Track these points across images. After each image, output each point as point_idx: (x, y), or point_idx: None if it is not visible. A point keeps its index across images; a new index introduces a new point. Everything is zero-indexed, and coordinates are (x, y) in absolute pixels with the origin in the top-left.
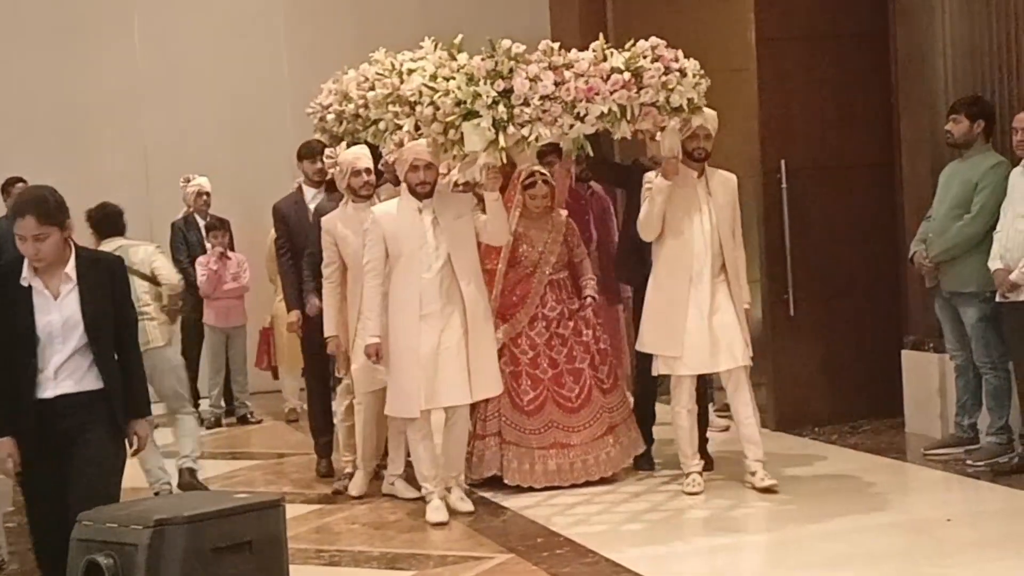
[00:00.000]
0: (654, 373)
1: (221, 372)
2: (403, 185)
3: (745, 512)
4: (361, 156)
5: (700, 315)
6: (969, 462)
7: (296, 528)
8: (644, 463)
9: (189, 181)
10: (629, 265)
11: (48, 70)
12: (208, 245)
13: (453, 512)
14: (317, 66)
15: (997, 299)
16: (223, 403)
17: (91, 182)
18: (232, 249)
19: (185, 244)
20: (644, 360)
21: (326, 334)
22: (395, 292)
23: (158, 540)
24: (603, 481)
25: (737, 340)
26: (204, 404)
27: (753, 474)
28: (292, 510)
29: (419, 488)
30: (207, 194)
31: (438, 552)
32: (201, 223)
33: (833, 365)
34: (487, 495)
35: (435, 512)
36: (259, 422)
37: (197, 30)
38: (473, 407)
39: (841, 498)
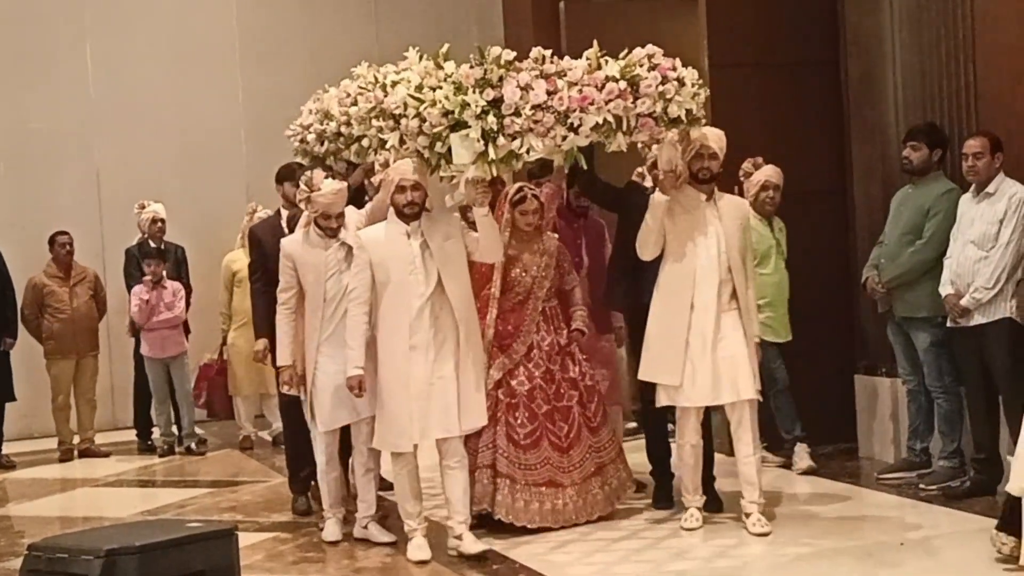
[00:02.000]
0: (657, 404)
1: (166, 402)
2: (390, 208)
3: (690, 535)
4: (335, 202)
5: (704, 344)
6: (922, 486)
7: (250, 556)
8: (662, 501)
9: (144, 207)
10: (619, 292)
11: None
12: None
13: (466, 556)
14: (271, 92)
15: (948, 324)
16: (174, 431)
17: (43, 209)
18: (187, 277)
19: (139, 270)
20: (653, 393)
21: (279, 363)
22: (384, 321)
23: (109, 570)
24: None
25: (743, 373)
26: (156, 432)
27: (748, 516)
28: (246, 538)
29: (392, 532)
30: (162, 221)
31: None
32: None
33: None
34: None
35: (417, 550)
36: (202, 454)
37: (150, 57)
38: (465, 444)
39: (794, 523)
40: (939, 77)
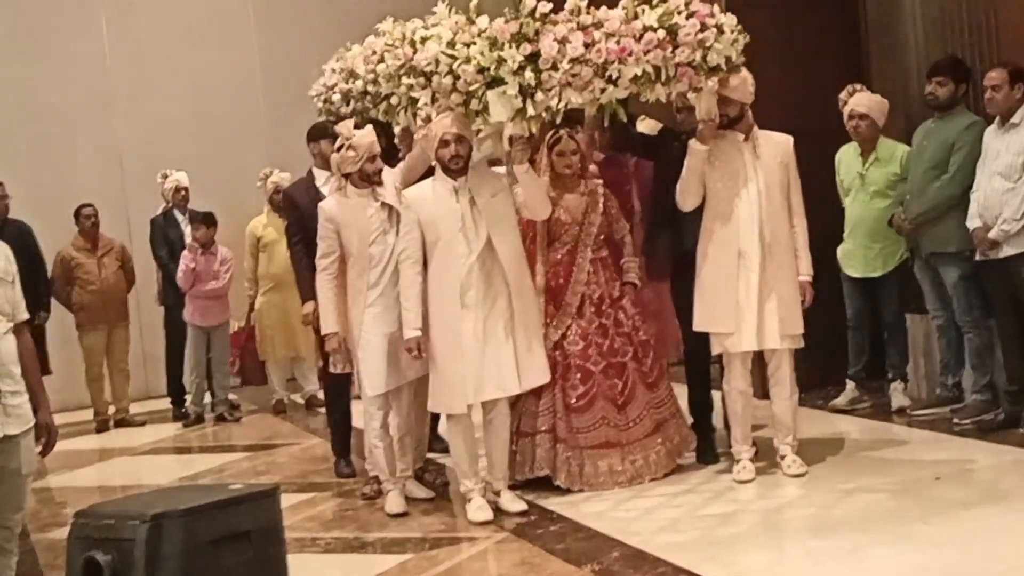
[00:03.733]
0: (713, 352)
1: (202, 369)
2: (436, 164)
3: (720, 472)
4: (375, 141)
5: (748, 289)
6: (955, 420)
7: (290, 517)
8: (708, 455)
9: (167, 177)
10: (660, 241)
11: (17, 74)
12: (187, 240)
13: (506, 513)
14: (288, 58)
15: (977, 258)
16: (204, 400)
17: (66, 183)
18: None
19: (165, 240)
20: (694, 344)
21: (324, 331)
22: (434, 280)
23: (156, 534)
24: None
25: (785, 319)
26: (188, 400)
27: (783, 458)
28: (286, 499)
29: (431, 489)
30: (185, 189)
31: (433, 535)
32: (180, 218)
33: (818, 329)
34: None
35: (479, 511)
36: (237, 420)
37: (165, 28)
38: (513, 403)
39: (828, 462)
40: (958, 9)
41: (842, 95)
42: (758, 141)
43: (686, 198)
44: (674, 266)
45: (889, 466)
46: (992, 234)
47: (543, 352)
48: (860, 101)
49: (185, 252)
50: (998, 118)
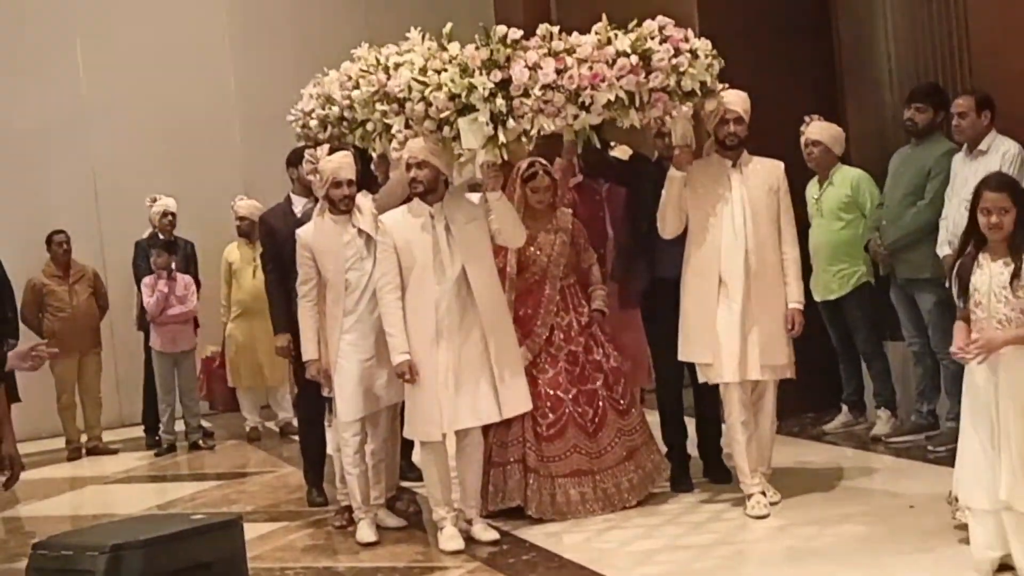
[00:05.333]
0: (700, 381)
1: (171, 395)
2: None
3: (698, 502)
4: (343, 166)
5: (731, 318)
6: (929, 448)
7: (260, 547)
8: (682, 483)
9: (155, 201)
10: (632, 268)
11: None
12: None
13: (477, 542)
14: (263, 83)
15: (947, 284)
16: (176, 428)
17: (40, 208)
18: (196, 272)
19: (147, 262)
20: (666, 372)
21: (304, 358)
22: (409, 307)
23: (115, 566)
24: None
25: (768, 349)
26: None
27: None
28: (256, 528)
29: (401, 518)
30: (172, 215)
31: (404, 564)
32: None
33: (800, 357)
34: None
35: (450, 540)
36: (211, 448)
37: (141, 52)
38: (486, 432)
39: (804, 489)
40: (931, 37)
41: (801, 127)
42: (746, 167)
43: (665, 225)
44: (646, 293)
45: (864, 495)
46: None
47: (523, 380)
48: (814, 129)
49: (148, 279)
50: (966, 145)
